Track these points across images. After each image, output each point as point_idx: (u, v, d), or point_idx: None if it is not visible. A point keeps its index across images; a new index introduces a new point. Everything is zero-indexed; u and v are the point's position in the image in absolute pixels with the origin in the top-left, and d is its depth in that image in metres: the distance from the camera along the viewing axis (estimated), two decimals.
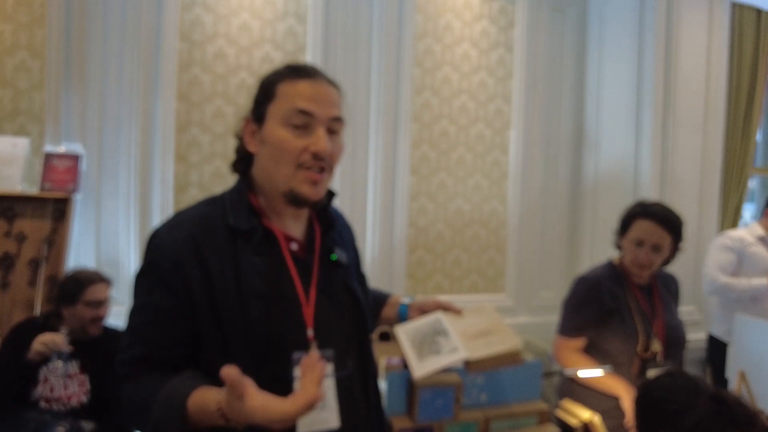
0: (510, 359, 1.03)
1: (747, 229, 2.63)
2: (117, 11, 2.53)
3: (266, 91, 0.92)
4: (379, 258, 2.96)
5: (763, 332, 1.86)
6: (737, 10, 3.39)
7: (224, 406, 0.72)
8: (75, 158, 2.43)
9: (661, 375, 1.13)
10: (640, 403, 1.12)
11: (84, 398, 1.85)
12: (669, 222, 1.62)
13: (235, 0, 2.72)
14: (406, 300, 1.18)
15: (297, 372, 0.84)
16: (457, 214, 3.17)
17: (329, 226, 1.00)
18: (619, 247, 1.74)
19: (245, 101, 2.75)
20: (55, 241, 2.36)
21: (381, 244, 2.97)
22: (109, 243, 2.57)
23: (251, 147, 0.93)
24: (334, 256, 0.98)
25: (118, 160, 2.57)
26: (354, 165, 2.90)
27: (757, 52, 3.51)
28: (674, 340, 1.69)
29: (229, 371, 0.68)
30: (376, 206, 2.96)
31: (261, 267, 0.89)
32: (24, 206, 2.36)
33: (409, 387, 1.10)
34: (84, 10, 2.47)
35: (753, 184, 3.92)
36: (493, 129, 3.23)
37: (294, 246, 0.95)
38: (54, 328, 1.83)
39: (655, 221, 1.62)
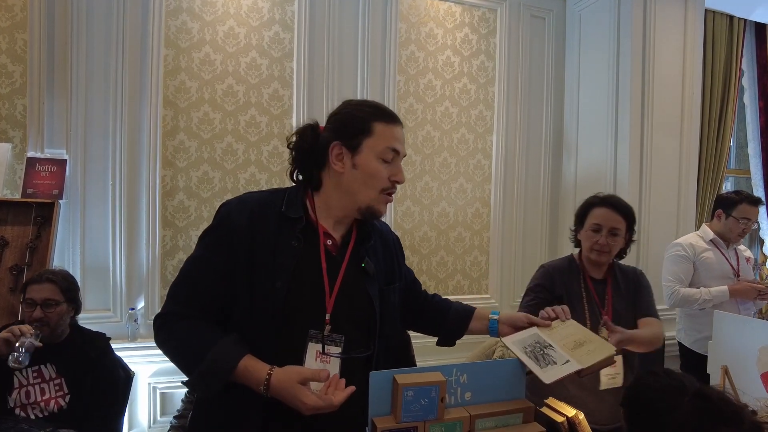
0: (609, 361, 1.22)
1: (698, 233, 2.58)
2: (102, 17, 2.52)
3: (362, 126, 1.11)
4: None
5: (742, 327, 1.89)
6: (710, 17, 3.49)
7: (274, 379, 0.97)
8: (59, 163, 2.42)
9: (645, 375, 1.11)
10: (629, 406, 1.09)
11: (63, 403, 1.78)
12: (624, 208, 1.73)
13: (221, 7, 2.73)
14: (494, 315, 1.35)
15: (310, 346, 1.07)
16: (441, 217, 3.21)
17: (366, 238, 1.19)
18: (577, 241, 1.83)
19: (232, 107, 2.78)
20: (38, 247, 2.34)
21: None
22: (94, 248, 2.55)
23: (337, 167, 1.11)
24: (363, 264, 1.15)
25: (105, 165, 2.56)
26: None
27: (730, 57, 3.62)
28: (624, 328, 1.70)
29: (336, 377, 1.00)
30: None
31: (296, 250, 1.08)
32: (6, 212, 2.34)
33: (392, 386, 1.11)
34: (67, 15, 2.46)
35: (727, 185, 4.03)
36: (476, 134, 3.28)
37: (329, 242, 1.13)
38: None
39: (612, 208, 1.72)
